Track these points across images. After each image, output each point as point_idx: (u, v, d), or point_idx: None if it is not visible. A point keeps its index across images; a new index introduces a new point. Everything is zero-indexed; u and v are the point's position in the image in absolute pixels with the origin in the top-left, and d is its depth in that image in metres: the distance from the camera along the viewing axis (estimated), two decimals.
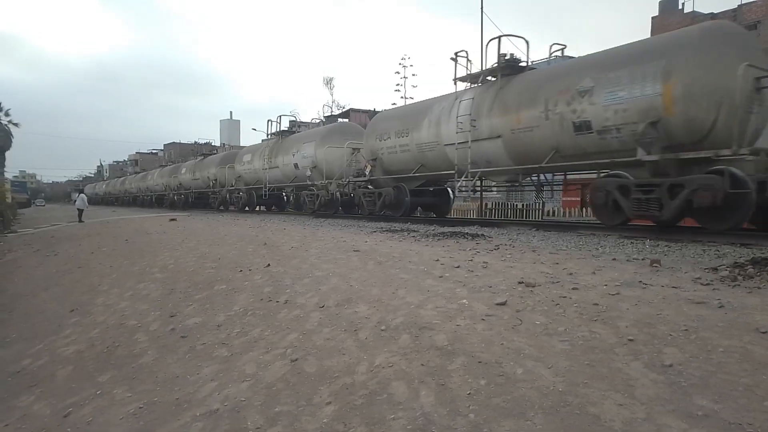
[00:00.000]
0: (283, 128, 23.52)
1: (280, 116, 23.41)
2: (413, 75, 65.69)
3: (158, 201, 41.20)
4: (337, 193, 17.74)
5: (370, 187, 16.03)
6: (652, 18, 32.50)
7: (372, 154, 15.81)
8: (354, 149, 17.71)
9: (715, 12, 30.24)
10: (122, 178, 61.30)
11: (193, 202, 33.42)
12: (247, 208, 25.74)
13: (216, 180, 28.90)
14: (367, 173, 16.00)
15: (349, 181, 17.02)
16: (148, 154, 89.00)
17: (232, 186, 26.62)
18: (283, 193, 24.78)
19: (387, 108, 20.81)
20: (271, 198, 24.86)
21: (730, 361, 2.90)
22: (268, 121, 23.57)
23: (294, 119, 25.65)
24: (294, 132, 23.75)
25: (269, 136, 23.99)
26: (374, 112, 20.28)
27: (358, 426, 2.92)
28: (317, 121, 43.96)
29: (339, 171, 17.72)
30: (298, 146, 20.21)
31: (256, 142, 30.76)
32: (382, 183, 15.55)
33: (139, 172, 62.51)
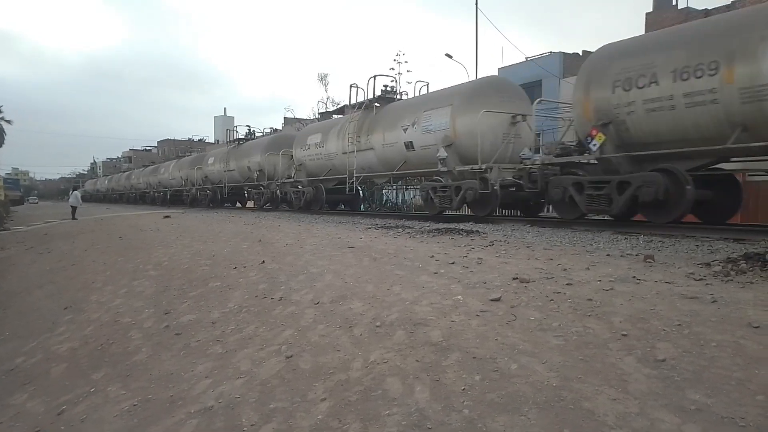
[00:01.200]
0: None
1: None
2: (408, 71, 65.67)
3: (174, 198, 34.95)
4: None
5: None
6: (647, 14, 32.55)
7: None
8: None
9: (709, 8, 30.30)
10: (127, 173, 53.43)
11: (223, 199, 29.73)
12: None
13: (258, 170, 25.12)
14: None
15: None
16: (142, 150, 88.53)
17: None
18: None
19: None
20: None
21: (722, 355, 2.92)
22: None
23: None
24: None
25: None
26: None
27: (353, 422, 2.92)
28: (312, 117, 43.82)
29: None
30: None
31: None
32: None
33: (133, 169, 60.67)
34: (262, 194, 22.96)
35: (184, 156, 37.56)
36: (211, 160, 28.60)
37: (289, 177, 20.07)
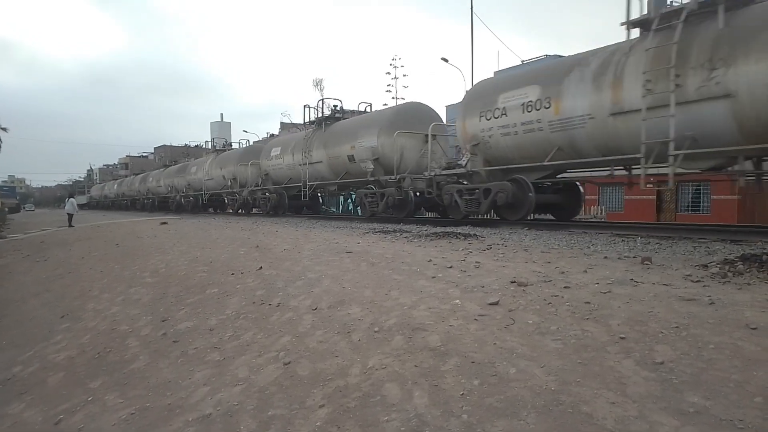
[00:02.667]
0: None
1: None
2: (404, 75, 65.74)
3: (212, 204, 29.83)
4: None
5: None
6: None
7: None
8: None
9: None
10: (142, 174, 45.55)
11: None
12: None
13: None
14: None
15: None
16: (139, 157, 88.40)
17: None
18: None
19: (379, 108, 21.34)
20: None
21: (720, 357, 2.92)
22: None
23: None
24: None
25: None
26: (364, 113, 20.19)
27: (351, 428, 2.91)
28: (305, 122, 43.88)
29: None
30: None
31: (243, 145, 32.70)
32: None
33: (129, 174, 58.61)
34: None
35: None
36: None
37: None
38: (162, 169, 38.88)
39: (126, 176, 61.63)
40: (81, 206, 64.37)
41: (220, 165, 27.06)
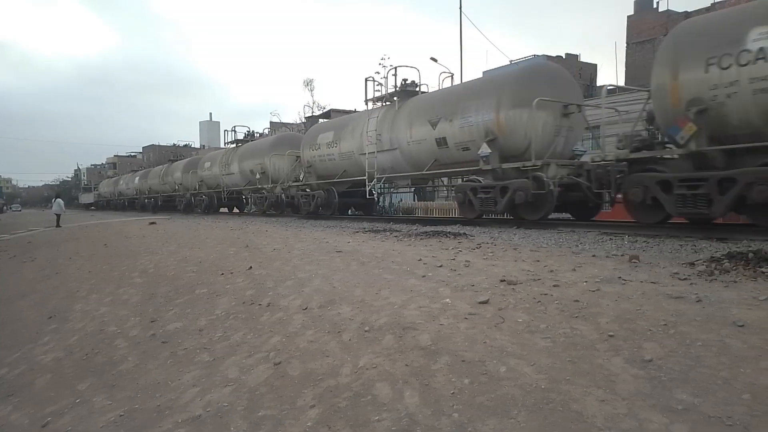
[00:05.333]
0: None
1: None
2: (393, 75, 65.62)
3: (231, 202, 28.01)
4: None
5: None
6: (628, 17, 33.02)
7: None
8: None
9: (689, 11, 30.77)
10: (141, 172, 42.14)
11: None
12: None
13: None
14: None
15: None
16: (127, 156, 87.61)
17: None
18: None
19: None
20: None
21: (708, 354, 2.94)
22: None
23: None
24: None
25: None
26: (354, 112, 19.79)
27: (342, 428, 2.91)
28: (299, 122, 43.70)
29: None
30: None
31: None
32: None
33: (114, 176, 55.26)
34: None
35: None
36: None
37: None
38: (167, 165, 35.11)
39: (114, 176, 58.21)
40: (89, 206, 60.12)
41: (244, 157, 22.90)
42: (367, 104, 15.82)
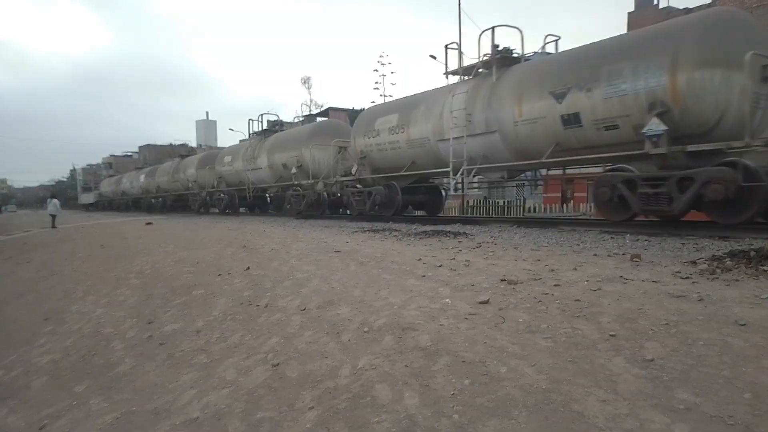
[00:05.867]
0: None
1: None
2: (392, 73, 65.75)
3: (256, 201, 25.03)
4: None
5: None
6: (629, 13, 33.08)
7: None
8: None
9: (690, 7, 30.83)
10: (147, 169, 37.80)
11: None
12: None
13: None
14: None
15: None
16: (123, 156, 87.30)
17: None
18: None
19: (368, 106, 19.87)
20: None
21: (710, 354, 2.92)
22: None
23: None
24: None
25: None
26: (353, 111, 19.26)
27: (341, 430, 2.87)
28: (297, 120, 43.69)
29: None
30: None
31: (234, 143, 30.08)
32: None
33: (113, 175, 51.15)
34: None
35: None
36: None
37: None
38: (177, 160, 31.70)
39: (114, 175, 53.49)
40: (89, 206, 56.89)
41: (275, 149, 20.02)
42: (447, 78, 13.04)
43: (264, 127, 22.22)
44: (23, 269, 12.03)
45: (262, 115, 22.42)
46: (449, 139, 11.86)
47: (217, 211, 25.49)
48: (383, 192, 14.38)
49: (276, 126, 22.35)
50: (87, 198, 60.64)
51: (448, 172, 12.16)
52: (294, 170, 18.46)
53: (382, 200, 14.47)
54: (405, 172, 13.86)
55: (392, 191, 14.29)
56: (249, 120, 23.16)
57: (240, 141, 32.83)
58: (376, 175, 14.96)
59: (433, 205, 16.09)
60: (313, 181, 17.53)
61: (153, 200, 34.87)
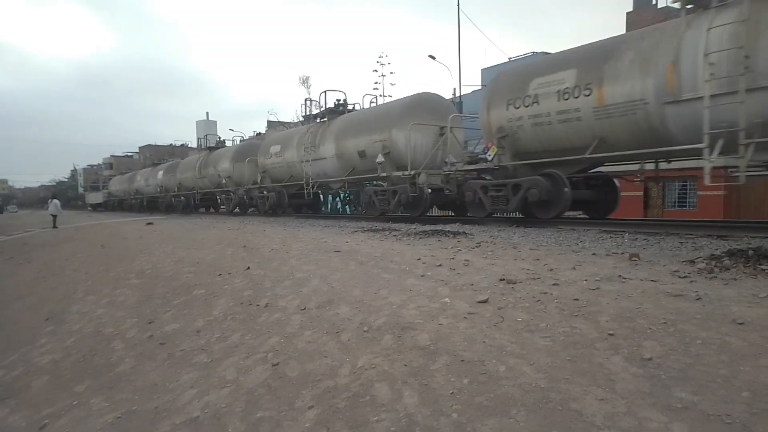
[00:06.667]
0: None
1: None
2: (391, 73, 65.69)
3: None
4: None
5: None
6: (627, 13, 33.07)
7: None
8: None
9: (688, 7, 30.78)
10: (168, 164, 34.70)
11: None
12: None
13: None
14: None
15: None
16: (123, 157, 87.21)
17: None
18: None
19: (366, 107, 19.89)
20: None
21: (708, 353, 2.93)
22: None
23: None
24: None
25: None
26: (352, 110, 18.61)
27: (341, 429, 2.89)
28: (296, 120, 43.63)
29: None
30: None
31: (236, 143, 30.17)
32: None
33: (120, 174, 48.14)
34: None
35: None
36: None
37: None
38: (206, 154, 27.86)
39: (123, 171, 49.67)
40: (96, 206, 53.79)
41: (345, 134, 16.09)
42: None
43: (326, 108, 17.90)
44: (24, 270, 12.04)
45: (326, 91, 17.95)
46: (701, 97, 7.47)
47: (260, 211, 21.40)
48: (544, 186, 10.06)
49: (340, 107, 17.96)
50: (95, 198, 56.74)
51: (672, 151, 8.69)
52: (381, 159, 14.51)
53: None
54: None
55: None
56: (305, 100, 22.79)
57: (298, 124, 29.39)
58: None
59: (604, 202, 11.41)
60: (410, 173, 13.61)
61: (173, 199, 31.14)
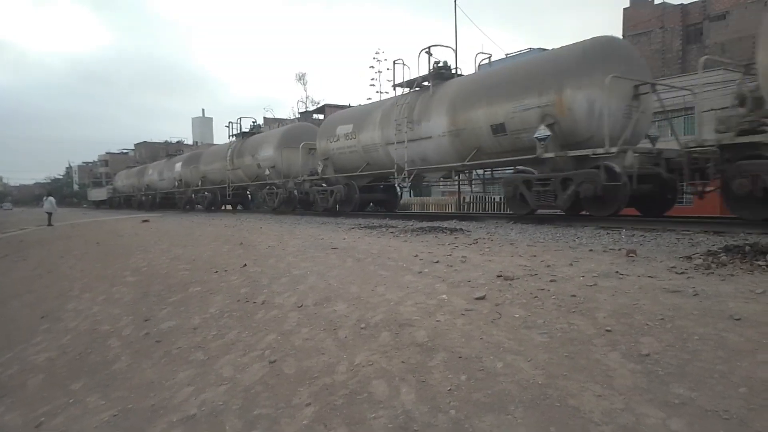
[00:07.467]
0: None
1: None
2: (387, 69, 65.64)
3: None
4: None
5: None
6: (624, 9, 33.09)
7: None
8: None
9: (685, 3, 30.84)
10: (231, 145, 23.55)
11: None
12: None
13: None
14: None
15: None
16: (119, 154, 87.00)
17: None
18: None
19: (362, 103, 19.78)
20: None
21: (705, 348, 2.93)
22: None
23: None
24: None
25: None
26: (349, 107, 18.89)
27: (338, 427, 2.88)
28: (292, 117, 43.58)
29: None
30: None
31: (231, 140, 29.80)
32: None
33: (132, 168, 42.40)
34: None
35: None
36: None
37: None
38: (238, 141, 22.93)
39: (131, 165, 45.81)
40: (100, 203, 49.67)
41: (461, 104, 11.84)
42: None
43: (433, 68, 15.31)
44: (19, 267, 11.99)
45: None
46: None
47: (326, 209, 17.96)
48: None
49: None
50: (98, 194, 52.45)
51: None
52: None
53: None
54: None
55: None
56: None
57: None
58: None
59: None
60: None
61: (193, 195, 27.40)
